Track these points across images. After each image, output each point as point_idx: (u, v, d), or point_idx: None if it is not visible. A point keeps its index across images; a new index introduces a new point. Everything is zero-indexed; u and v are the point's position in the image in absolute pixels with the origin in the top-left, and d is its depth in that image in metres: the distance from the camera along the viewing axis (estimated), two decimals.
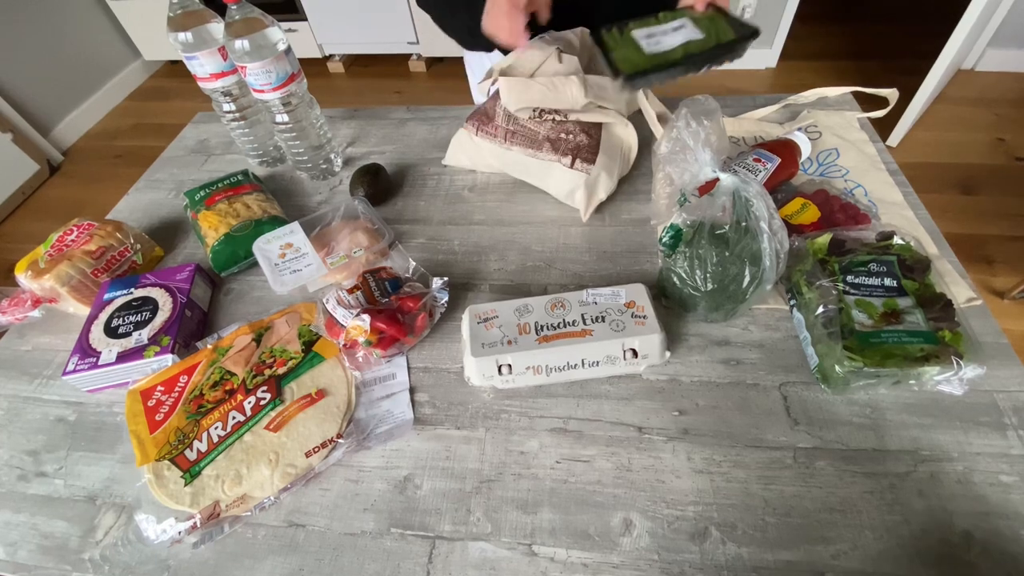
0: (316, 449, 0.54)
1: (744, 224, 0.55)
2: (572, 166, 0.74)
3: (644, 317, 0.57)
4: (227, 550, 0.51)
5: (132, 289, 0.68)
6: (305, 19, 2.50)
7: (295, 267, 0.69)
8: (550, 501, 0.51)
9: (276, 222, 0.76)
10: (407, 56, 2.69)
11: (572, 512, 0.50)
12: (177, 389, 0.59)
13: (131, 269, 0.75)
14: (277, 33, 0.74)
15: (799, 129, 0.81)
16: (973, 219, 1.69)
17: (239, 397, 0.58)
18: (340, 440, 0.55)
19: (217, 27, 0.77)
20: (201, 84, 0.83)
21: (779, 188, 0.73)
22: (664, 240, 0.61)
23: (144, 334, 0.63)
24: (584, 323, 0.57)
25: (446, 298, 0.64)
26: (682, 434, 0.54)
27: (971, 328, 0.52)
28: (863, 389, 0.55)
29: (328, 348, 0.63)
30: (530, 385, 0.59)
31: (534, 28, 0.73)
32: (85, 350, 0.62)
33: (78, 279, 0.69)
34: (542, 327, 0.58)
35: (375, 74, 2.74)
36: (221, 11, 0.75)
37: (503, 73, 0.75)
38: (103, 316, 0.65)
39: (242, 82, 0.82)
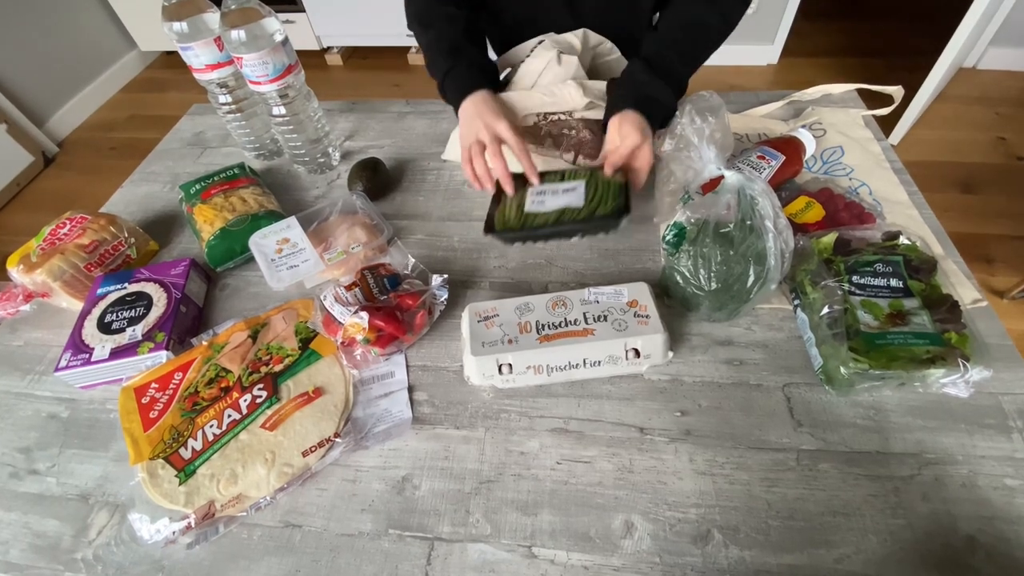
0: (313, 448, 0.54)
1: (749, 222, 0.54)
2: (574, 162, 0.73)
3: (647, 316, 0.57)
4: (222, 551, 0.50)
5: (126, 284, 0.67)
6: (303, 10, 2.47)
7: (292, 263, 0.68)
8: (550, 502, 0.50)
9: (273, 217, 0.75)
10: (406, 49, 2.66)
11: (572, 514, 0.50)
12: (171, 386, 0.58)
13: (125, 264, 0.74)
14: (274, 23, 0.73)
15: (803, 126, 0.81)
16: (973, 218, 1.69)
17: (235, 395, 0.57)
18: (337, 439, 0.54)
19: (213, 17, 0.76)
20: (197, 75, 0.81)
21: (783, 186, 0.72)
22: (667, 238, 0.60)
23: (138, 330, 0.62)
24: (586, 322, 0.57)
25: (445, 296, 0.63)
26: (684, 435, 0.54)
27: (977, 330, 0.52)
28: (867, 391, 0.54)
29: (325, 346, 0.62)
30: (530, 385, 0.58)
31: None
32: (78, 346, 0.61)
33: (71, 273, 0.68)
34: (543, 326, 0.57)
35: (374, 67, 2.71)
36: (217, 0, 0.73)
37: (505, 83, 0.76)
38: (96, 311, 0.64)
39: (238, 74, 0.81)
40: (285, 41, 0.75)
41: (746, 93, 0.92)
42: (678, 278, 0.59)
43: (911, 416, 0.53)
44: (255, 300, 0.70)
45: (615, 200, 0.63)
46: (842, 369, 0.51)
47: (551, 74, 0.73)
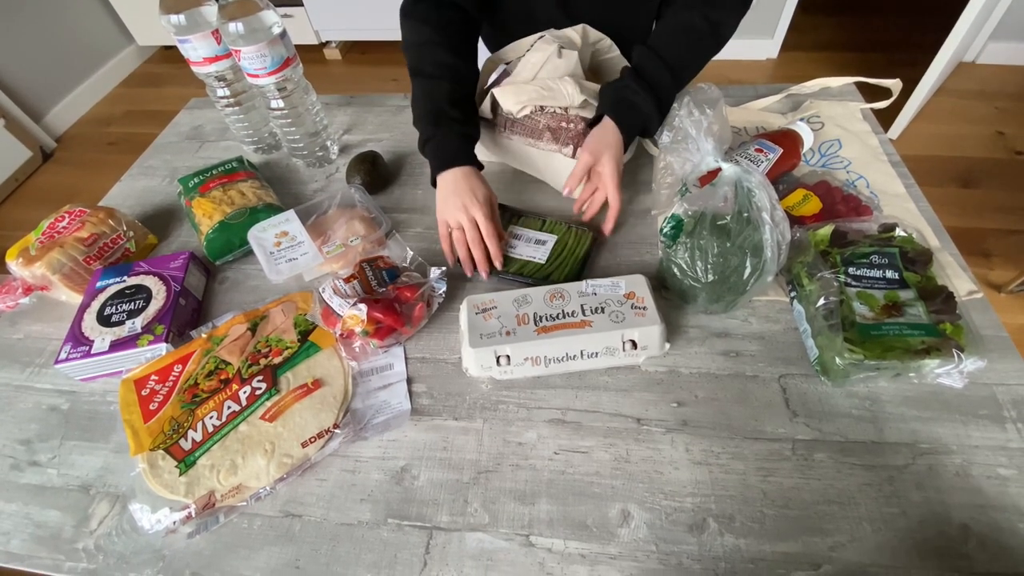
0: (312, 439, 0.54)
1: (746, 215, 0.54)
2: (573, 156, 0.73)
3: (644, 308, 0.57)
4: (222, 540, 0.50)
5: (125, 277, 0.67)
6: (301, 4, 2.46)
7: (291, 256, 0.68)
8: (548, 492, 0.51)
9: (271, 210, 0.75)
10: None
11: (570, 503, 0.50)
12: (171, 378, 0.59)
13: (124, 257, 0.74)
14: (272, 16, 0.72)
15: (801, 119, 0.81)
16: (971, 212, 1.69)
17: (234, 387, 0.57)
18: (336, 430, 0.55)
19: (211, 9, 0.75)
20: (194, 68, 0.81)
21: (781, 179, 0.72)
22: (665, 231, 0.60)
23: (137, 323, 0.62)
24: (583, 314, 0.57)
25: (444, 288, 0.64)
26: (681, 426, 0.54)
27: (972, 321, 0.52)
28: (863, 381, 0.54)
29: (324, 338, 0.62)
30: (528, 376, 0.58)
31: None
32: (78, 338, 0.61)
33: (70, 266, 0.68)
34: (541, 318, 0.57)
35: (373, 61, 2.70)
36: None
37: (502, 76, 0.76)
38: (96, 304, 0.65)
39: (236, 67, 0.80)
40: (283, 34, 0.75)
41: (745, 87, 0.92)
42: (675, 270, 0.59)
43: (906, 406, 0.53)
44: (254, 293, 0.71)
45: (572, 268, 0.67)
46: (837, 360, 0.51)
47: (551, 67, 0.73)
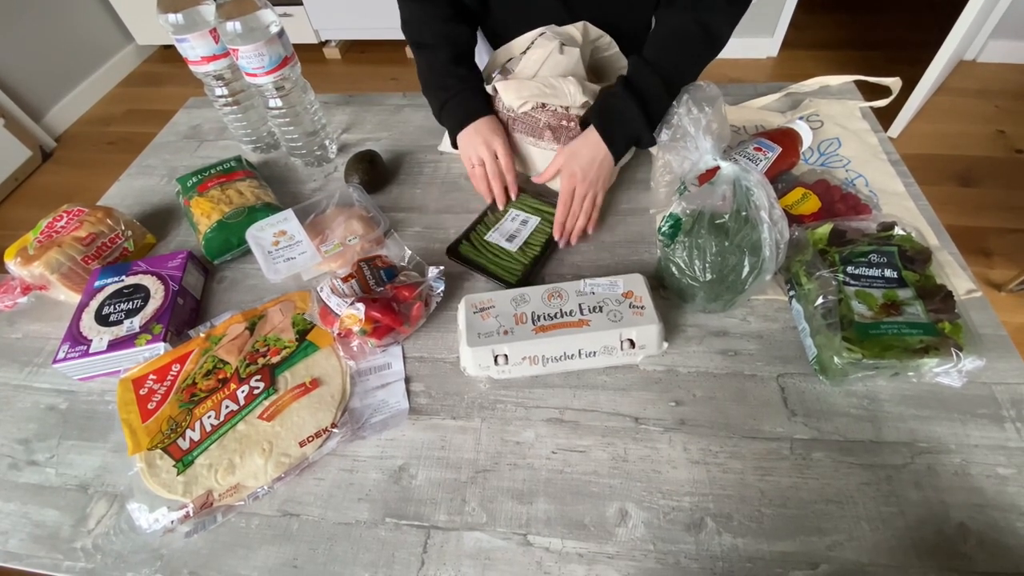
0: (310, 439, 0.54)
1: (744, 213, 0.54)
2: None
3: (642, 307, 0.57)
4: (220, 539, 0.50)
5: (123, 276, 0.67)
6: (301, 3, 2.46)
7: (289, 255, 0.68)
8: (545, 491, 0.51)
9: (270, 209, 0.75)
10: (404, 42, 2.63)
11: (567, 502, 0.50)
12: (169, 378, 0.59)
13: (122, 256, 0.74)
14: (270, 15, 0.72)
15: (801, 118, 0.81)
16: (972, 211, 1.68)
17: (232, 386, 0.57)
18: (334, 430, 0.55)
19: (208, 8, 0.75)
20: (192, 68, 0.81)
21: (780, 178, 0.72)
22: (663, 229, 0.60)
23: (135, 322, 0.62)
24: (581, 313, 0.57)
25: (442, 287, 0.64)
26: (679, 425, 0.54)
27: (971, 320, 0.52)
28: (861, 380, 0.54)
29: (322, 337, 0.62)
30: (526, 375, 0.58)
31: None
32: (76, 338, 0.61)
33: (68, 266, 0.68)
34: (539, 317, 0.57)
35: (371, 60, 2.69)
36: None
37: (504, 73, 0.76)
38: (94, 304, 0.65)
39: (234, 66, 0.80)
40: (281, 33, 0.74)
41: (744, 85, 0.92)
42: (673, 269, 0.59)
43: (904, 405, 0.53)
44: (252, 292, 0.71)
45: (529, 267, 0.68)
46: (836, 359, 0.51)
47: (552, 64, 0.73)
